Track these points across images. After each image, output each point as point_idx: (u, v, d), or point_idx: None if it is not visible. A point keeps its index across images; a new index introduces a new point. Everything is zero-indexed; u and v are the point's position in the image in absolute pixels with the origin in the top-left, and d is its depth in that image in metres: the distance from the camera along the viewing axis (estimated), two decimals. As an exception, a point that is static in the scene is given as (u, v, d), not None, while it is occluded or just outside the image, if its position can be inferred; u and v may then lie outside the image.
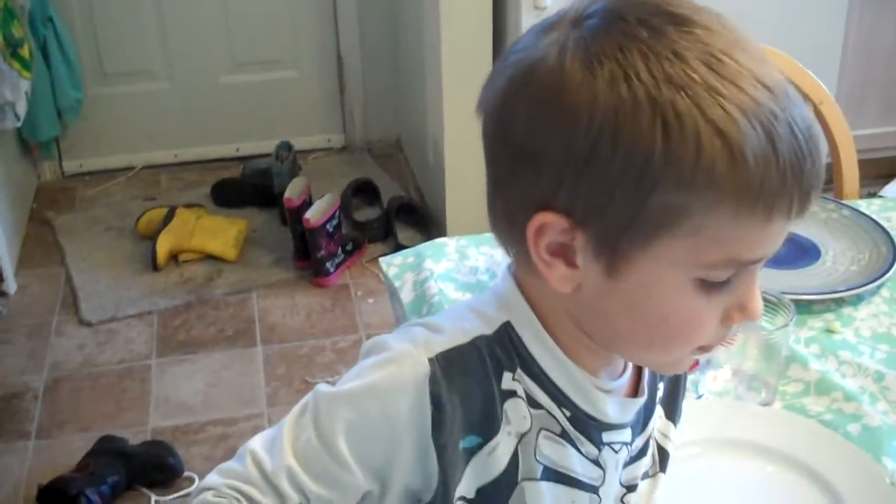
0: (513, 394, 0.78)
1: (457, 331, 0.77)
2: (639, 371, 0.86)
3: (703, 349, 0.76)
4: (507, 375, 0.77)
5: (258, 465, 0.78)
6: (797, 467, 1.13)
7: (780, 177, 0.67)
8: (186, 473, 2.27)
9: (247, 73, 3.61)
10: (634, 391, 0.85)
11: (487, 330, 0.78)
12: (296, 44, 3.61)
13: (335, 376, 2.56)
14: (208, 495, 0.78)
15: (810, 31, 2.81)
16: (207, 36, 3.53)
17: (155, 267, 2.99)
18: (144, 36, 3.49)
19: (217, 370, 2.62)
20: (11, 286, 2.93)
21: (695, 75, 0.66)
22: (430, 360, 0.75)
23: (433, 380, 0.74)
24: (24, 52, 2.95)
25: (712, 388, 1.21)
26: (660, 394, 0.91)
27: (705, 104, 0.65)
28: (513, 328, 0.78)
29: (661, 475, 0.93)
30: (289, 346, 2.71)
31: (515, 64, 0.73)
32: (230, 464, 0.80)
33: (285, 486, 0.77)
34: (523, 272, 0.79)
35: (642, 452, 0.89)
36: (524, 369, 0.78)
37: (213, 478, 0.79)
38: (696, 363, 0.80)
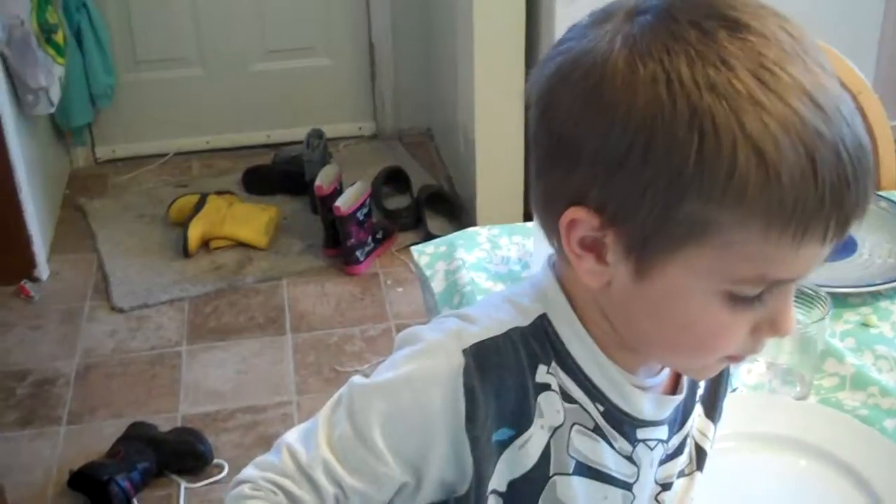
0: (547, 387, 0.77)
1: (491, 322, 0.76)
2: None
3: (732, 358, 0.75)
4: (541, 368, 0.76)
5: (294, 457, 0.77)
6: (831, 462, 1.12)
7: (817, 199, 0.64)
8: (216, 461, 2.28)
9: (278, 61, 3.61)
10: (674, 388, 0.84)
11: (523, 322, 0.77)
12: (328, 31, 3.60)
13: (364, 365, 2.56)
14: (245, 488, 0.78)
15: (847, 20, 2.77)
16: (239, 23, 3.53)
17: (186, 254, 3.00)
18: (177, 23, 3.50)
19: (247, 358, 2.63)
20: (44, 272, 2.95)
21: (740, 85, 0.63)
22: (464, 351, 0.74)
23: (467, 372, 0.73)
24: (59, 37, 2.96)
25: (747, 381, 1.20)
26: (700, 391, 0.90)
27: (746, 117, 0.63)
28: (549, 321, 0.77)
29: (697, 474, 0.92)
30: (318, 335, 2.71)
31: (565, 52, 0.71)
32: (266, 457, 0.80)
33: (322, 478, 0.76)
34: (563, 263, 0.77)
35: (679, 451, 0.88)
36: (559, 363, 0.77)
37: (249, 471, 0.79)
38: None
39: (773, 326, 0.71)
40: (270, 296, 2.87)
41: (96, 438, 2.34)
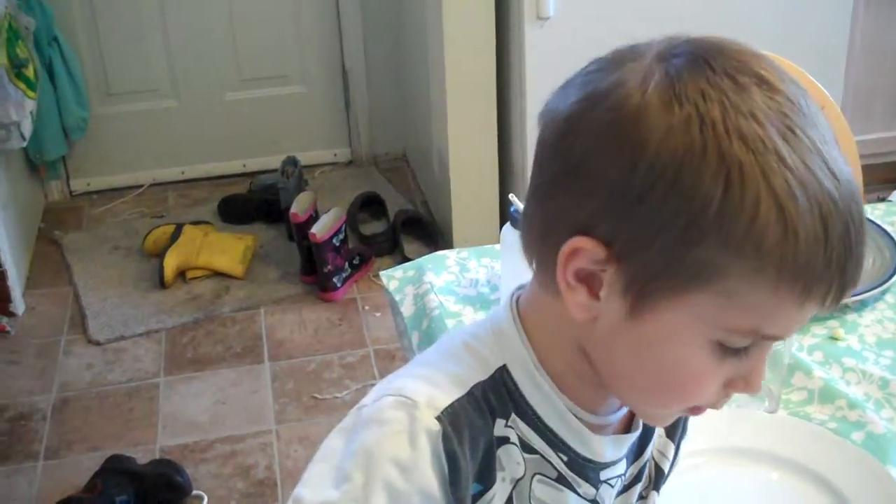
0: (506, 440, 0.76)
1: (453, 380, 0.75)
2: None
3: (694, 410, 0.76)
4: (499, 422, 0.76)
5: None
6: (803, 473, 1.12)
7: (825, 262, 0.66)
8: (195, 492, 2.27)
9: (252, 90, 3.62)
10: (629, 424, 0.84)
11: (483, 375, 0.76)
12: (301, 59, 3.61)
13: (343, 392, 2.56)
14: None
15: (815, 35, 2.79)
16: (212, 53, 3.54)
17: (162, 285, 2.99)
18: (149, 54, 3.50)
19: (225, 387, 2.62)
20: (20, 306, 2.93)
21: (768, 141, 0.64)
22: (438, 418, 0.73)
23: (446, 437, 0.72)
24: (29, 72, 2.96)
25: (715, 397, 1.20)
26: None
27: (771, 173, 0.64)
28: (508, 372, 0.76)
29: (653, 494, 0.92)
30: (296, 362, 2.70)
31: (594, 81, 0.71)
32: None
33: None
34: (538, 291, 0.77)
35: (637, 479, 0.88)
36: (519, 414, 0.76)
37: None
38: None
39: (746, 382, 0.73)
40: (248, 324, 2.87)
41: (74, 473, 2.32)
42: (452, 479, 0.73)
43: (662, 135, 0.65)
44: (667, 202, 0.65)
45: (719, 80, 0.66)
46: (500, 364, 0.76)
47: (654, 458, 0.91)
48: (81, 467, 2.33)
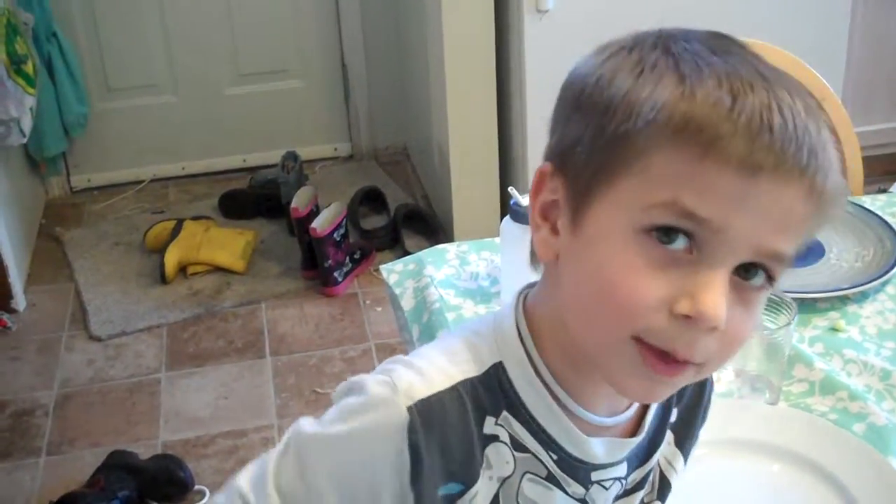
0: (495, 438, 0.76)
1: (439, 374, 0.75)
2: (645, 408, 0.83)
3: (649, 354, 0.68)
4: (489, 420, 0.75)
5: (244, 501, 0.77)
6: (803, 464, 1.12)
7: (729, 124, 0.64)
8: (197, 487, 2.27)
9: (252, 84, 3.62)
10: (636, 428, 0.82)
11: (476, 370, 0.76)
12: (300, 54, 3.61)
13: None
14: None
15: (815, 27, 2.79)
16: (211, 48, 3.54)
17: (163, 280, 2.99)
18: (149, 49, 3.50)
19: (227, 382, 2.62)
20: (21, 302, 2.93)
21: (690, 47, 0.68)
22: (409, 408, 0.72)
23: (412, 429, 0.72)
24: (28, 68, 2.96)
25: (716, 389, 1.20)
26: (673, 418, 0.87)
27: (682, 60, 0.67)
28: (504, 369, 0.76)
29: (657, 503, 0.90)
30: (298, 357, 2.70)
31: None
32: (218, 498, 0.79)
33: None
34: (541, 284, 0.78)
35: (639, 485, 0.86)
36: (512, 412, 0.76)
37: None
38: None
39: (692, 300, 0.66)
40: (249, 319, 2.87)
41: (76, 468, 2.33)
42: (413, 470, 0.73)
43: (597, 62, 0.72)
44: (590, 101, 0.70)
45: (689, 45, 0.70)
46: (496, 361, 0.76)
47: (660, 467, 0.89)
48: (83, 463, 2.34)
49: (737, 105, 0.64)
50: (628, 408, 0.81)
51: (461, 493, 0.76)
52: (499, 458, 0.76)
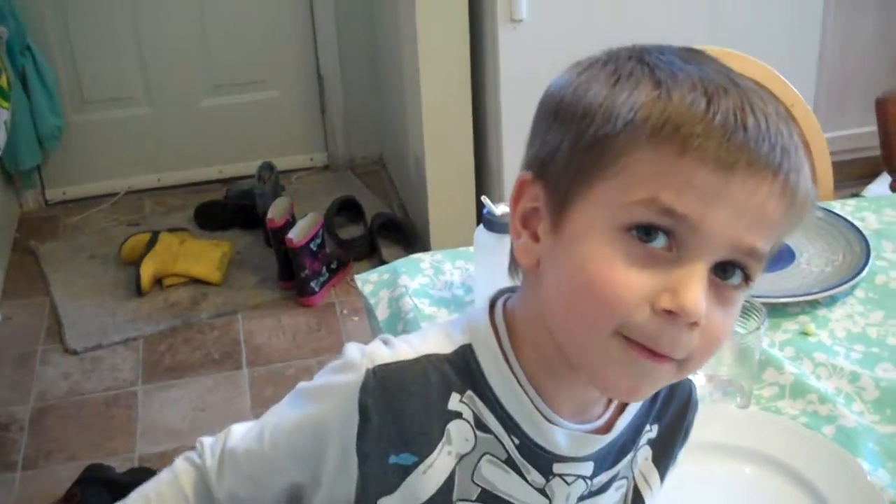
0: (458, 415, 0.77)
1: (408, 347, 0.78)
2: (620, 412, 0.83)
3: (633, 346, 0.69)
4: (454, 396, 0.77)
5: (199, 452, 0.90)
6: (775, 467, 1.13)
7: (705, 121, 0.67)
8: (174, 499, 2.25)
9: (227, 96, 3.61)
10: (608, 430, 0.83)
11: (446, 349, 0.78)
12: (275, 64, 3.61)
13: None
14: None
15: (787, 33, 2.81)
16: (186, 59, 3.53)
17: (139, 292, 2.98)
18: (123, 62, 3.49)
19: (203, 394, 2.61)
20: (-4, 316, 2.92)
21: (664, 58, 0.71)
22: (368, 370, 0.76)
23: (364, 389, 0.76)
24: (2, 81, 2.95)
25: (688, 394, 1.21)
26: (652, 435, 0.88)
27: (657, 68, 0.70)
28: (472, 351, 0.78)
29: None
30: (275, 368, 2.70)
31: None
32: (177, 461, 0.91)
33: (216, 455, 0.88)
34: (521, 290, 0.79)
35: (604, 488, 0.86)
36: (477, 392, 0.78)
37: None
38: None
39: (673, 295, 0.68)
40: (226, 331, 2.86)
41: (52, 482, 2.31)
42: (361, 431, 0.76)
43: (573, 77, 0.74)
44: (569, 110, 0.72)
45: (662, 55, 0.72)
46: (465, 342, 0.78)
47: (635, 481, 0.89)
48: (60, 477, 2.32)
49: (711, 106, 0.67)
50: (598, 418, 0.82)
51: (415, 465, 0.77)
52: (459, 435, 0.78)
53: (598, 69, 0.73)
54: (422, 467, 0.77)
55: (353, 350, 0.79)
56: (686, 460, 1.12)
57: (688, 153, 0.66)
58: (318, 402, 0.80)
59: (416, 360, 0.77)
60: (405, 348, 0.78)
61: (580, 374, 0.75)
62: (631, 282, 0.68)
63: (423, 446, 0.77)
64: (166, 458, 2.36)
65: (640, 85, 0.69)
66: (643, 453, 0.88)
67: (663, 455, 0.90)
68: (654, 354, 0.70)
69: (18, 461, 2.40)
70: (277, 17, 3.55)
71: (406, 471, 0.77)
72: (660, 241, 0.68)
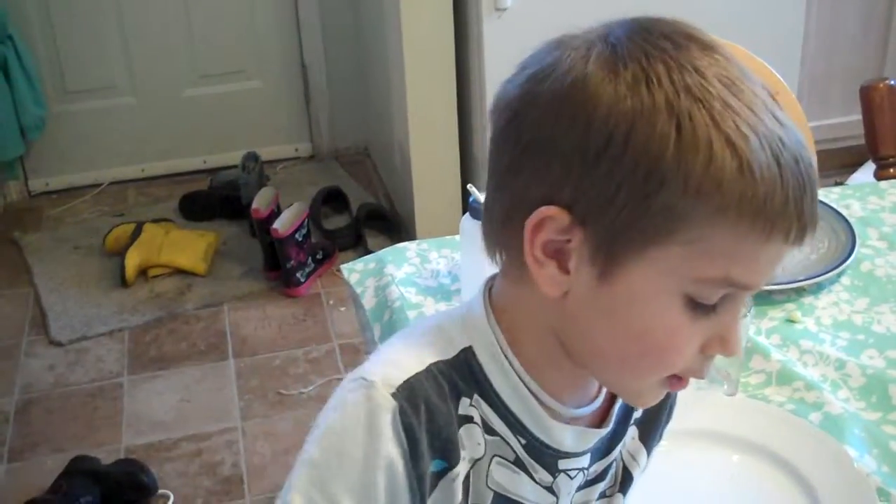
0: (469, 419, 0.77)
1: (411, 358, 0.76)
2: (612, 401, 0.84)
3: (675, 382, 0.75)
4: (464, 401, 0.76)
5: None
6: (763, 454, 1.13)
7: (783, 198, 0.67)
8: (161, 491, 2.25)
9: (211, 85, 3.60)
10: (602, 420, 0.84)
11: (446, 355, 0.77)
12: (259, 54, 3.60)
13: (309, 387, 2.55)
14: None
15: (771, 22, 2.82)
16: (170, 49, 3.51)
17: (124, 283, 2.97)
18: (106, 51, 3.47)
19: (189, 385, 2.61)
20: (-21, 309, 2.91)
21: (713, 90, 0.67)
22: (393, 395, 0.73)
23: (402, 412, 0.73)
24: (-16, 72, 2.93)
25: (675, 382, 1.21)
26: (637, 414, 0.90)
27: (720, 117, 0.66)
28: (473, 354, 0.77)
29: (618, 496, 0.92)
30: (261, 358, 2.69)
31: (536, 63, 0.73)
32: None
33: None
34: (508, 283, 0.78)
35: (600, 477, 0.88)
36: (482, 395, 0.77)
37: None
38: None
39: (722, 343, 0.73)
40: (211, 322, 2.85)
41: (38, 474, 2.30)
42: (412, 452, 0.73)
43: (611, 95, 0.68)
44: (623, 157, 0.67)
45: (659, 42, 0.70)
46: (466, 345, 0.77)
47: (623, 460, 0.91)
48: (46, 469, 2.31)
49: (782, 173, 0.67)
50: (595, 399, 0.83)
51: (445, 471, 0.76)
52: (471, 440, 0.77)
53: (641, 95, 0.67)
54: (451, 475, 0.77)
55: (352, 392, 0.74)
56: (674, 448, 1.13)
57: (771, 239, 0.68)
58: (367, 460, 0.73)
59: (427, 371, 0.75)
60: (409, 361, 0.76)
61: (587, 370, 0.78)
62: (691, 342, 0.73)
63: (451, 453, 0.76)
64: (152, 450, 2.37)
65: (712, 141, 0.66)
66: (630, 433, 0.90)
67: (650, 432, 0.92)
68: (682, 381, 0.76)
69: (4, 453, 2.39)
70: (261, 7, 3.53)
71: (438, 477, 0.76)
72: (716, 300, 0.72)
